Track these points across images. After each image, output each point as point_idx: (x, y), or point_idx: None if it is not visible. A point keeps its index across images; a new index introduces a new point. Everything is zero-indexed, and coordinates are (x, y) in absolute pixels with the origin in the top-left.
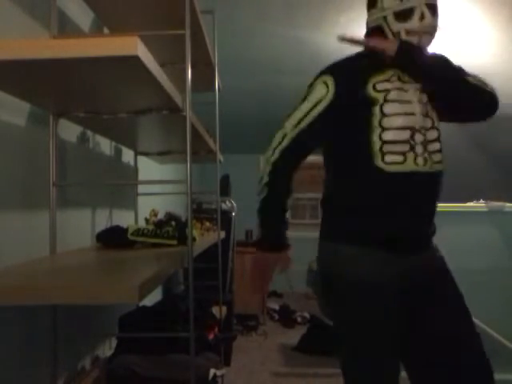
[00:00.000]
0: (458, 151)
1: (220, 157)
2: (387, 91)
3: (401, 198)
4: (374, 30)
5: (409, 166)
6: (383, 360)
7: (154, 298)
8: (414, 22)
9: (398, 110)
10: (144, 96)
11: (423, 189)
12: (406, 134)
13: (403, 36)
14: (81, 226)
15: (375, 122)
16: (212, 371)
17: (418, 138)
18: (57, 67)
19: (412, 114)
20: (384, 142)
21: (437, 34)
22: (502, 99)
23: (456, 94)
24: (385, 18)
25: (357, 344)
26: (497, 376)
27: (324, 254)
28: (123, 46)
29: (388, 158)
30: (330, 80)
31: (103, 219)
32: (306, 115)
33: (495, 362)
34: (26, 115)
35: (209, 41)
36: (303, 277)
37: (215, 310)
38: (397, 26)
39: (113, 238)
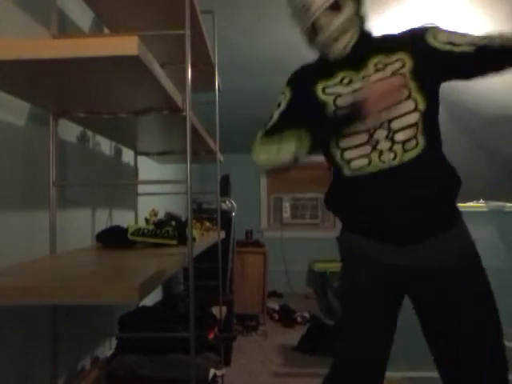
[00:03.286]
0: (458, 151)
1: (220, 157)
2: (338, 95)
3: (374, 197)
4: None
5: (375, 167)
6: (362, 316)
7: (154, 297)
8: (321, 36)
9: None
10: (144, 96)
11: (398, 182)
12: (363, 137)
13: (323, 50)
14: (81, 226)
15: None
16: (212, 371)
17: (380, 134)
18: (57, 67)
19: None
20: (343, 150)
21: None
22: (503, 99)
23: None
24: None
25: (343, 295)
26: None
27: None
28: (123, 46)
29: (354, 165)
30: (286, 90)
31: (103, 219)
32: (272, 116)
33: None
34: (26, 115)
35: (209, 41)
36: (303, 277)
37: (215, 310)
38: (314, 40)
39: (113, 238)
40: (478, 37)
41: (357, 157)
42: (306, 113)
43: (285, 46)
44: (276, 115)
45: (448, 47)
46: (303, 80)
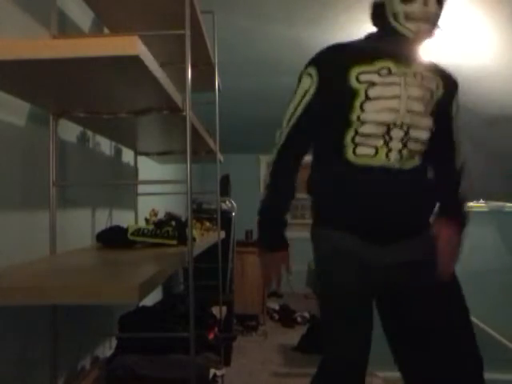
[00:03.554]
0: None
1: (220, 157)
2: (371, 84)
3: (367, 191)
4: (376, 7)
5: (379, 161)
6: (355, 321)
7: (154, 297)
8: (416, 6)
9: (378, 107)
10: (144, 96)
11: (393, 185)
12: (381, 129)
13: (402, 20)
14: (81, 226)
15: (354, 117)
16: (212, 371)
17: (396, 133)
18: (57, 67)
19: (395, 110)
20: (357, 134)
21: (437, 32)
22: (503, 99)
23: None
24: None
25: (331, 305)
26: (497, 376)
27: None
28: (123, 45)
29: (359, 151)
30: (313, 70)
31: (103, 219)
32: (295, 109)
33: (495, 361)
34: (26, 115)
35: (209, 41)
36: (303, 277)
37: (215, 310)
38: (398, 7)
39: (113, 238)
40: (459, 146)
41: (366, 144)
42: (334, 103)
43: (284, 46)
44: (300, 110)
45: (454, 112)
46: (335, 60)
